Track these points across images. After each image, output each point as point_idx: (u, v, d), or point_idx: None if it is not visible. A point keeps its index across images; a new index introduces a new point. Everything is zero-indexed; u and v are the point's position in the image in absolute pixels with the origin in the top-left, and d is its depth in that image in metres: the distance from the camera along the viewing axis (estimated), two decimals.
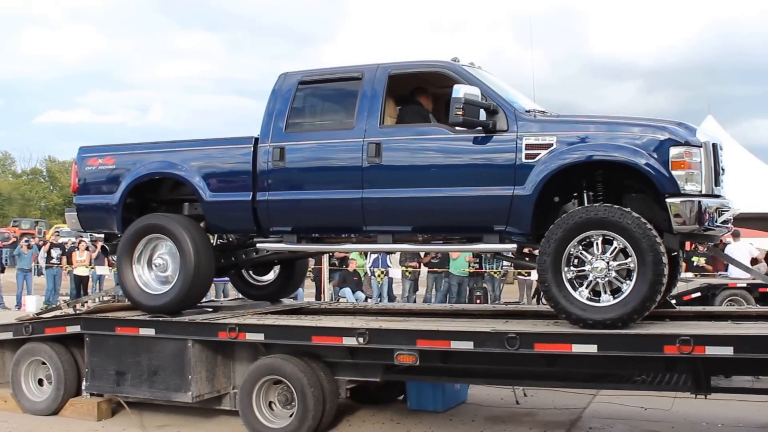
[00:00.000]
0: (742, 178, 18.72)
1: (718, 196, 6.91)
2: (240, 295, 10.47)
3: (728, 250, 16.34)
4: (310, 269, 18.91)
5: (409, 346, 7.04)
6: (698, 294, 14.68)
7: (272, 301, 9.85)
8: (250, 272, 9.97)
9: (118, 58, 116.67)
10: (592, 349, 6.44)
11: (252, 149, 7.95)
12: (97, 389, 8.51)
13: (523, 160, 6.88)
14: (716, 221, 6.69)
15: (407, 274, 19.12)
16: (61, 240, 22.70)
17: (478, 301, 17.65)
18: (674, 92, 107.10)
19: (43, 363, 8.88)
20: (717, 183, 6.93)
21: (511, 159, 6.93)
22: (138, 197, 8.59)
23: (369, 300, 18.80)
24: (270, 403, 7.78)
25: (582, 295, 6.62)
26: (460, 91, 6.77)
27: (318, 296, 18.63)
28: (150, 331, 8.05)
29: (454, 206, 7.14)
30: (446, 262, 18.34)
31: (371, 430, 8.15)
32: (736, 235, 16.59)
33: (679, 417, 8.27)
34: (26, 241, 20.95)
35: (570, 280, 6.65)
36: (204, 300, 9.28)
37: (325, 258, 17.89)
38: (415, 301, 19.35)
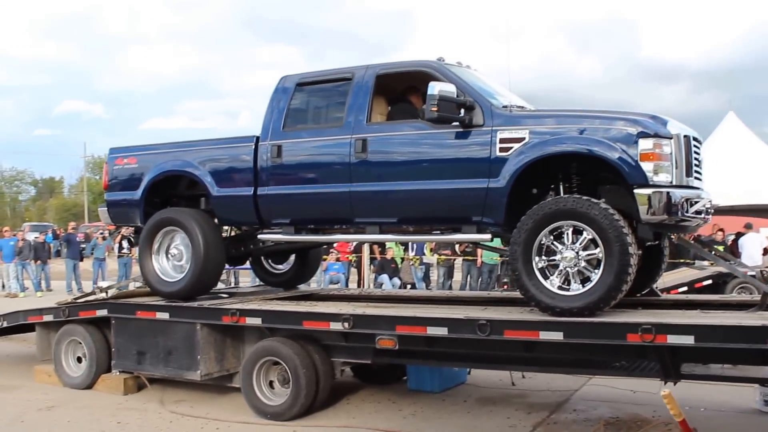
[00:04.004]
0: (764, 173, 17.73)
1: (691, 187, 6.35)
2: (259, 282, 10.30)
3: (741, 242, 15.47)
4: (352, 258, 18.72)
5: (389, 331, 6.69)
6: (709, 282, 13.82)
7: (288, 287, 9.63)
8: (269, 261, 9.76)
9: (210, 70, 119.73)
10: (558, 336, 5.96)
11: (254, 147, 7.70)
12: (122, 367, 8.44)
13: (497, 153, 6.42)
14: (687, 212, 6.13)
15: (440, 261, 18.72)
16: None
17: (505, 287, 17.11)
18: (721, 92, 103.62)
19: (80, 342, 8.86)
20: (689, 174, 6.35)
21: (486, 152, 6.48)
22: (160, 193, 8.46)
23: (407, 287, 18.49)
24: (270, 382, 7.54)
25: (553, 284, 6.15)
26: (435, 88, 6.37)
27: (359, 283, 18.37)
28: (165, 315, 7.94)
29: (434, 198, 6.73)
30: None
31: (366, 408, 7.81)
32: (749, 227, 15.67)
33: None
34: (101, 233, 21.31)
35: (541, 269, 6.19)
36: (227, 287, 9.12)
37: (366, 247, 17.61)
38: (450, 287, 18.97)
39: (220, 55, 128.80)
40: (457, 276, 19.82)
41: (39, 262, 21.54)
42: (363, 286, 17.41)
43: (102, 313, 8.50)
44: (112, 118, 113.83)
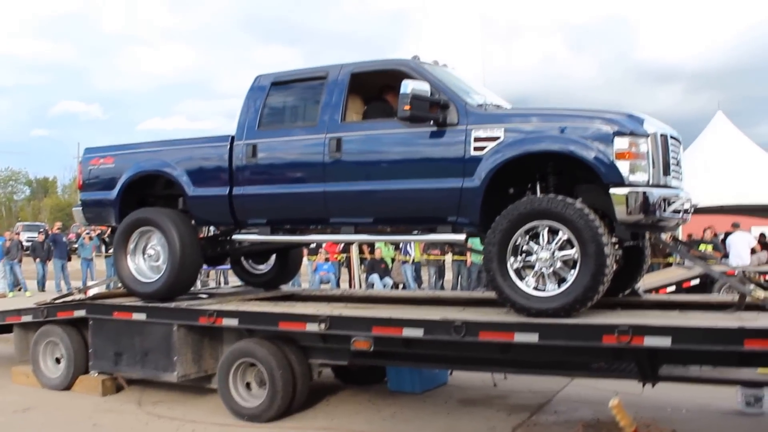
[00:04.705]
0: (753, 173, 17.63)
1: (669, 187, 6.22)
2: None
3: (729, 241, 15.37)
4: (340, 257, 18.56)
5: (365, 332, 6.55)
6: (697, 281, 13.69)
7: (270, 288, 9.48)
8: (249, 261, 9.62)
9: (207, 70, 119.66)
10: (533, 338, 5.83)
11: (229, 147, 7.55)
12: (99, 368, 8.33)
13: (472, 152, 6.26)
14: (665, 211, 6.01)
15: (432, 260, 18.58)
16: None
17: None
18: (717, 93, 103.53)
19: (58, 343, 8.71)
20: (667, 173, 6.21)
21: (460, 152, 6.32)
22: (136, 193, 8.30)
23: (399, 286, 18.35)
24: (248, 383, 7.40)
25: (528, 284, 6.02)
26: (408, 86, 6.20)
27: (350, 283, 18.24)
28: (141, 316, 7.80)
29: (408, 198, 6.57)
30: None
31: (345, 409, 7.67)
32: (736, 226, 15.56)
33: (647, 402, 7.55)
34: (87, 233, 21.14)
35: (516, 270, 6.06)
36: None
37: (354, 247, 17.45)
38: (442, 287, 18.84)
39: (218, 55, 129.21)
40: (449, 275, 19.72)
41: (39, 260, 21.36)
42: (354, 287, 17.28)
43: (80, 313, 8.37)
44: (110, 119, 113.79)
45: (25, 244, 24.26)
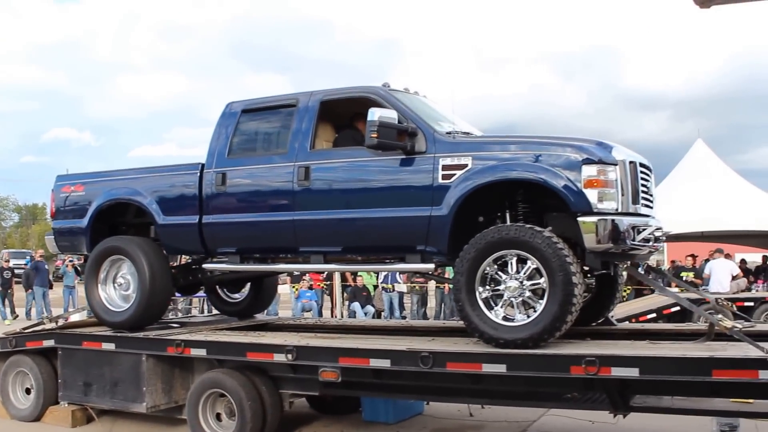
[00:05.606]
0: (732, 199, 17.63)
1: (639, 215, 6.12)
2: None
3: (710, 267, 15.29)
4: (323, 285, 18.37)
5: (332, 363, 6.39)
6: (678, 308, 13.57)
7: (244, 316, 9.28)
8: (224, 290, 9.44)
9: (198, 98, 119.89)
10: (501, 369, 5.68)
11: (198, 175, 7.42)
12: (68, 399, 8.10)
13: (440, 180, 6.15)
14: (634, 239, 5.90)
15: (416, 288, 18.38)
16: None
17: None
18: (700, 121, 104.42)
19: (27, 373, 8.47)
20: (636, 201, 6.11)
21: (428, 180, 6.20)
22: (107, 221, 8.13)
23: (381, 314, 18.17)
24: (218, 414, 7.19)
25: (497, 314, 5.88)
26: (375, 114, 6.09)
27: (332, 311, 18.04)
28: (111, 346, 7.60)
29: (377, 227, 6.44)
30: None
31: None
32: (719, 252, 15.48)
33: (622, 431, 7.42)
34: (70, 260, 20.89)
35: (485, 300, 5.91)
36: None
37: (336, 275, 17.27)
38: (425, 315, 18.65)
39: (209, 83, 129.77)
40: (432, 303, 19.54)
41: (30, 290, 21.01)
42: (335, 315, 17.08)
43: (49, 343, 8.15)
44: (101, 146, 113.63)
45: (16, 271, 23.86)
